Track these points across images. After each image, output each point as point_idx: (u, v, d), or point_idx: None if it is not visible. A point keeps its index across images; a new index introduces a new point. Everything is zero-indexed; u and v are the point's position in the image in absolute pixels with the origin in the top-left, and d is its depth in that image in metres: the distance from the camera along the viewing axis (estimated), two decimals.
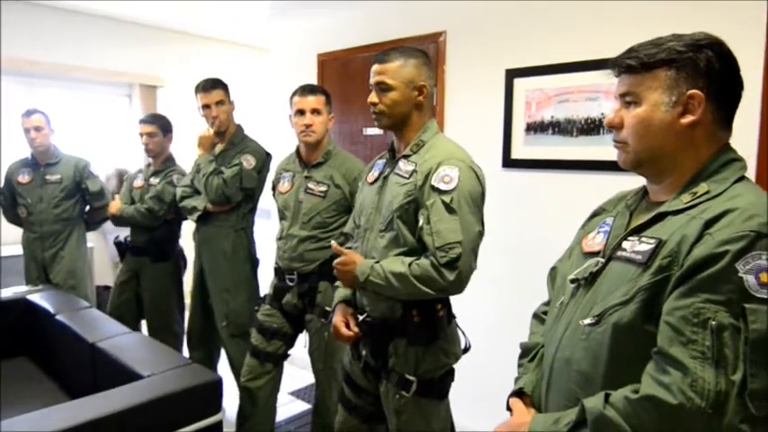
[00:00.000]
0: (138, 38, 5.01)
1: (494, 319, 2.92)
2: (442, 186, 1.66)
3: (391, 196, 1.77)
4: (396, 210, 1.73)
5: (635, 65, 1.06)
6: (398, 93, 1.76)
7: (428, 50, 3.05)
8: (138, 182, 3.45)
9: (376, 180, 1.89)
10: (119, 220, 3.39)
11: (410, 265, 1.66)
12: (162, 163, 3.42)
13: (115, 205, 3.37)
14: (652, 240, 1.02)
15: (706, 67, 1.02)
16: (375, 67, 1.79)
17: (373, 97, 1.79)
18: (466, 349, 1.90)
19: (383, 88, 1.77)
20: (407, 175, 1.75)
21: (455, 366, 1.86)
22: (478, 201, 1.72)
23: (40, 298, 3.00)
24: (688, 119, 1.03)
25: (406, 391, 1.76)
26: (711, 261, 0.91)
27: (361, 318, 1.84)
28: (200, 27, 5.19)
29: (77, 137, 4.66)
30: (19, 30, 4.27)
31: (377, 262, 1.74)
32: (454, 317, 1.88)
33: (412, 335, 1.76)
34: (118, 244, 3.55)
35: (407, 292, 1.68)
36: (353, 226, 2.02)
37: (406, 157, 1.80)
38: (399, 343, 1.78)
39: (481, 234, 1.73)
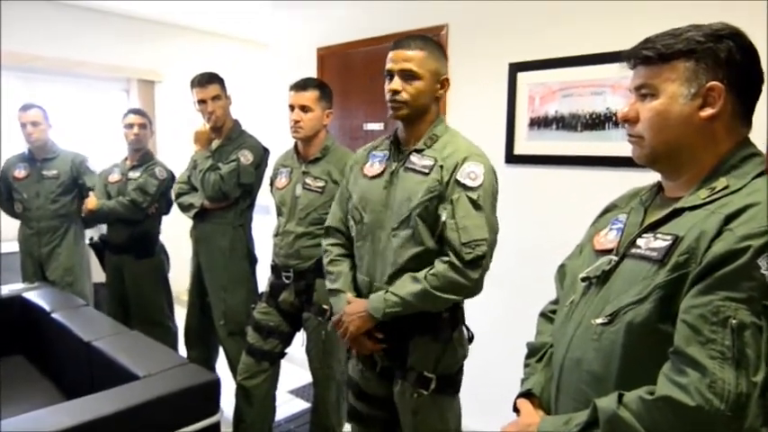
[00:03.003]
0: (136, 33, 4.97)
1: (496, 317, 2.88)
2: (469, 182, 1.63)
3: (407, 193, 1.70)
4: (416, 206, 1.67)
5: (652, 56, 1.02)
6: (425, 83, 1.70)
7: None
8: (115, 176, 3.40)
9: (380, 174, 1.81)
10: (98, 216, 3.35)
11: (425, 278, 1.62)
12: (140, 157, 3.39)
13: (92, 201, 3.31)
14: (668, 237, 0.98)
15: (726, 59, 0.98)
16: (397, 54, 1.70)
17: (396, 84, 1.69)
18: (470, 339, 1.89)
19: (409, 76, 1.69)
20: (426, 171, 1.69)
21: None
22: (496, 201, 1.71)
23: (36, 295, 2.96)
24: (707, 112, 0.99)
25: (425, 389, 1.72)
26: (732, 257, 0.87)
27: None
28: (199, 22, 5.15)
29: (75, 132, 4.62)
30: (17, 24, 4.23)
31: (387, 291, 1.68)
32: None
33: (439, 331, 1.73)
34: (93, 245, 3.51)
35: (433, 307, 1.66)
36: (342, 217, 1.95)
37: (418, 151, 1.73)
38: (420, 340, 1.74)
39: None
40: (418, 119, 1.74)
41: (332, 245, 1.97)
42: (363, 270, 1.83)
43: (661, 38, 1.03)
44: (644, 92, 1.05)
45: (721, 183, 0.98)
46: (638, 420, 0.90)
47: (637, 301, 0.98)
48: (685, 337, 0.89)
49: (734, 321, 0.85)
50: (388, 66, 1.72)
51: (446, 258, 1.62)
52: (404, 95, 1.69)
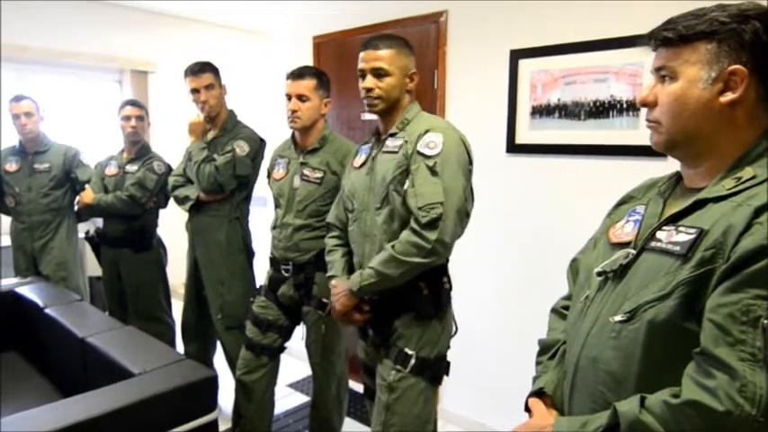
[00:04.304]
0: (129, 22, 4.89)
1: (497, 308, 2.84)
2: (427, 152, 1.74)
3: (383, 172, 1.84)
4: (390, 182, 1.80)
5: (672, 37, 0.97)
6: (395, 78, 1.84)
7: (428, 31, 2.95)
8: (112, 169, 3.35)
9: (364, 164, 1.95)
10: (94, 210, 3.30)
11: (393, 246, 1.73)
12: (138, 150, 3.34)
13: (88, 195, 3.26)
14: (692, 230, 0.93)
15: (752, 41, 0.92)
16: (367, 54, 1.85)
17: (369, 83, 1.84)
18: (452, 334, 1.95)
19: (380, 74, 1.83)
20: (396, 149, 1.82)
21: (459, 360, 1.84)
22: (464, 166, 1.78)
23: (28, 291, 2.91)
24: (728, 97, 0.94)
25: (404, 366, 1.81)
26: (762, 253, 0.82)
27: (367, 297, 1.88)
28: (193, 11, 5.06)
29: (67, 124, 4.55)
30: (8, 14, 4.14)
31: (361, 267, 1.84)
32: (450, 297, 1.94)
33: (420, 308, 1.81)
34: (90, 239, 3.45)
35: (403, 272, 1.73)
36: (338, 213, 2.08)
37: (392, 135, 1.87)
38: (405, 318, 1.83)
39: (467, 199, 1.78)
40: (392, 110, 1.89)
41: (329, 237, 2.13)
42: (356, 252, 1.98)
43: (684, 18, 0.97)
44: (663, 74, 1.00)
45: (748, 172, 0.93)
46: (663, 426, 0.86)
47: (659, 298, 0.93)
48: (713, 337, 0.84)
49: (765, 321, 0.81)
50: (360, 66, 1.87)
51: (409, 225, 1.73)
52: (377, 91, 1.84)
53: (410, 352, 1.80)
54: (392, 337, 1.84)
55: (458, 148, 1.77)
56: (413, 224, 1.70)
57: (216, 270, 2.87)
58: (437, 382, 1.88)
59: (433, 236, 1.67)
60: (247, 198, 2.94)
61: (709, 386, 0.83)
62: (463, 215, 1.77)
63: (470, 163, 1.82)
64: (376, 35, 1.89)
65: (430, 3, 2.95)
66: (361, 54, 1.87)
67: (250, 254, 2.97)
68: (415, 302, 1.81)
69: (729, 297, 0.84)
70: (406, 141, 1.81)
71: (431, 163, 1.71)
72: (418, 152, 1.75)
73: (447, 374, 1.90)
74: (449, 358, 1.91)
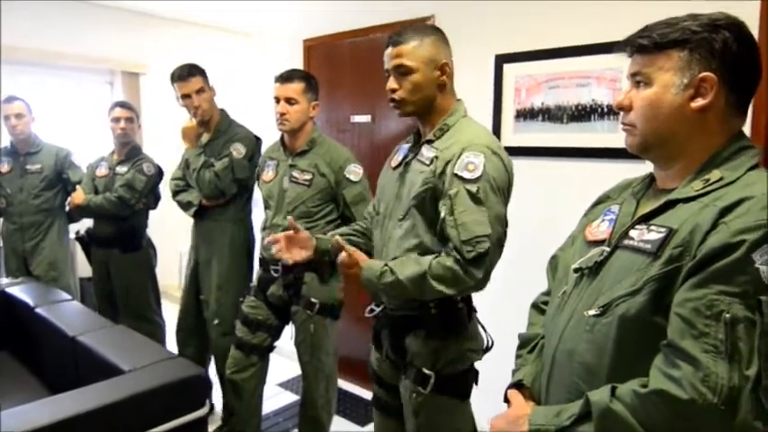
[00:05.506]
0: (120, 23, 4.89)
1: (484, 308, 2.88)
2: (466, 175, 1.53)
3: (411, 184, 1.66)
4: (413, 198, 1.63)
5: (647, 44, 1.02)
6: (420, 75, 1.62)
7: None
8: (102, 170, 3.37)
9: (399, 165, 1.77)
10: (84, 211, 3.32)
11: (430, 265, 1.53)
12: (128, 152, 3.36)
13: (79, 196, 3.28)
14: (662, 229, 0.98)
15: (721, 49, 0.97)
16: (389, 51, 1.64)
17: (392, 83, 1.65)
18: (487, 348, 1.77)
19: (402, 72, 1.62)
20: (428, 162, 1.63)
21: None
22: (505, 189, 1.59)
23: (19, 291, 2.92)
24: (698, 103, 0.99)
25: (423, 387, 1.66)
26: (726, 251, 0.87)
27: (377, 310, 1.80)
28: (184, 12, 5.08)
29: (59, 125, 4.54)
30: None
31: (385, 265, 1.60)
32: (475, 311, 1.78)
33: (429, 327, 1.66)
34: (80, 239, 3.48)
35: (422, 295, 1.57)
36: (371, 211, 1.92)
37: (429, 142, 1.67)
38: (417, 335, 1.69)
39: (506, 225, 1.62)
40: (427, 111, 1.68)
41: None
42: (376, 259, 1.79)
43: (658, 26, 1.02)
44: (638, 80, 1.05)
45: (715, 175, 0.98)
46: (632, 414, 0.90)
47: (630, 294, 0.98)
48: (679, 330, 0.89)
49: (727, 315, 0.85)
50: (385, 65, 1.67)
51: (452, 254, 1.52)
52: (401, 93, 1.64)
53: (428, 372, 1.65)
54: (408, 356, 1.70)
55: (498, 168, 1.56)
56: (457, 255, 1.50)
57: (218, 275, 2.87)
58: (465, 396, 1.73)
59: (480, 274, 1.50)
60: (249, 198, 2.96)
61: (675, 376, 0.87)
62: (503, 242, 1.61)
63: (510, 184, 1.63)
64: (401, 29, 1.67)
65: (417, 8, 3.00)
66: (386, 52, 1.66)
67: (251, 257, 2.98)
68: (424, 320, 1.66)
69: (695, 292, 0.89)
70: (437, 157, 1.60)
71: (473, 188, 1.51)
72: (456, 175, 1.54)
73: (476, 383, 1.75)
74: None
